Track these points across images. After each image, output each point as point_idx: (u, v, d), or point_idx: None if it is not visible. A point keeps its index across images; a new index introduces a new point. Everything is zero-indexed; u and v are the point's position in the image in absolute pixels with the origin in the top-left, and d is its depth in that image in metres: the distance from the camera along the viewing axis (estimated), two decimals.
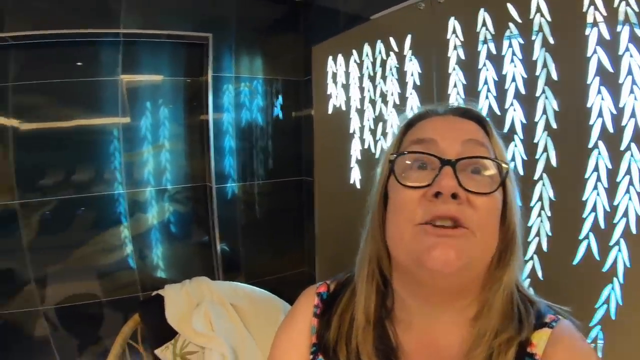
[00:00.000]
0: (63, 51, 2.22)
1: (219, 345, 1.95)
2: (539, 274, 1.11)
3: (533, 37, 1.08)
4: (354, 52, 1.91)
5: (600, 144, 0.95)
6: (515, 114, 1.17)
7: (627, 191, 0.91)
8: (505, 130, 1.19)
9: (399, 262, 0.64)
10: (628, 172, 0.91)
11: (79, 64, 2.26)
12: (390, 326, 0.68)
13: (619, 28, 0.90)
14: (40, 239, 2.27)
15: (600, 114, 0.95)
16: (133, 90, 2.33)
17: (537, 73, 1.09)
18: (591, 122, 0.96)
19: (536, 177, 1.11)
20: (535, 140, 1.11)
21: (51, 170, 2.28)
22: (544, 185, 1.09)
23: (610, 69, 0.92)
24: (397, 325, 0.68)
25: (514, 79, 1.17)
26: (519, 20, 1.12)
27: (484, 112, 1.26)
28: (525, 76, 1.13)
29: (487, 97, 1.27)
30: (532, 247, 1.13)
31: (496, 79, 1.23)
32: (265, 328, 2.04)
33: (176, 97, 2.44)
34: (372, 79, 1.84)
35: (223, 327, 2.03)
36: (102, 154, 2.31)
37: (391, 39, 1.67)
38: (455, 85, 1.41)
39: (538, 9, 1.07)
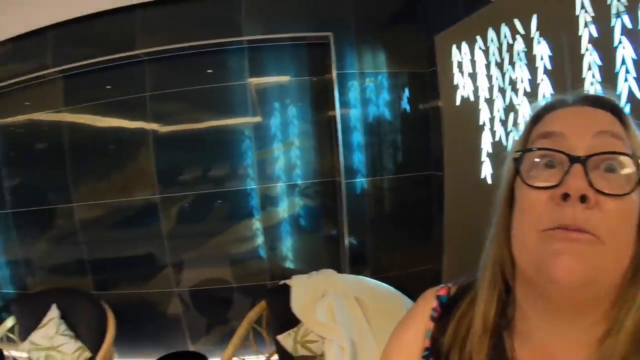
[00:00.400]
0: (193, 61, 2.54)
1: (339, 336, 2.02)
2: None
3: None
4: (478, 38, 1.83)
5: None
6: None
7: None
8: None
9: (521, 269, 0.60)
10: None
11: (209, 71, 2.57)
12: (507, 337, 0.64)
13: None
14: (178, 228, 2.65)
15: None
16: (261, 92, 2.56)
17: None
18: None
19: None
20: None
21: (188, 168, 2.64)
22: None
23: None
24: (515, 337, 0.64)
25: None
26: None
27: (624, 97, 1.12)
28: None
29: (625, 80, 1.12)
30: None
31: (635, 57, 1.08)
32: (387, 324, 2.04)
33: (303, 96, 2.59)
34: (500, 65, 1.75)
35: (345, 319, 2.10)
36: (236, 152, 2.58)
37: (516, 21, 1.58)
38: (589, 68, 1.27)
39: None
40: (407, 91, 2.58)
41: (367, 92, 2.53)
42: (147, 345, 2.81)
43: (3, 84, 2.75)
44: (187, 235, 2.67)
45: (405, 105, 2.58)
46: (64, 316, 2.53)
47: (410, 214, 2.64)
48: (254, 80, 2.54)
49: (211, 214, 2.65)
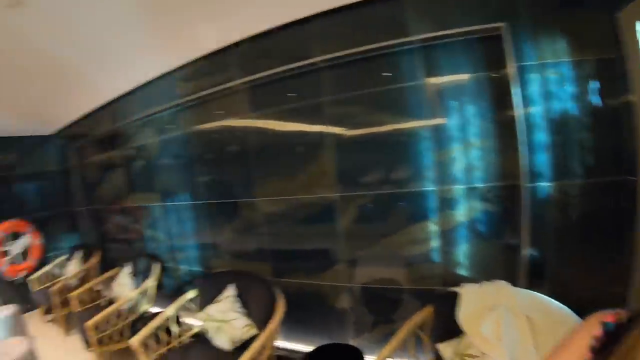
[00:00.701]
0: (366, 65, 2.75)
1: (501, 356, 1.98)
2: None
3: None
4: None
5: None
6: None
7: None
8: None
9: None
10: None
11: (386, 74, 2.72)
12: None
13: None
14: (354, 226, 2.93)
15: None
16: (438, 91, 2.62)
17: None
18: None
19: None
20: None
21: (366, 168, 2.86)
22: None
23: None
24: None
25: None
26: None
27: None
28: None
29: None
30: None
31: None
32: None
33: (481, 92, 2.55)
34: None
35: (511, 338, 2.04)
36: (413, 153, 2.70)
37: None
38: None
39: None
40: (594, 81, 2.31)
41: (549, 85, 2.36)
42: (310, 333, 3.24)
43: (198, 95, 3.47)
44: (363, 234, 2.92)
45: (593, 97, 2.32)
46: (239, 295, 3.07)
47: (599, 226, 2.36)
48: (430, 80, 2.62)
49: (387, 214, 2.83)
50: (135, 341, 2.97)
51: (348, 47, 2.69)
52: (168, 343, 3.23)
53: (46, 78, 3.84)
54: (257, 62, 3.14)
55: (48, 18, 2.57)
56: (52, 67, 3.53)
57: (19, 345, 3.55)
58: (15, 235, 5.85)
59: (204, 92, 3.51)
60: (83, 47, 3.12)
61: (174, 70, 3.80)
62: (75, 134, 6.12)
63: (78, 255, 5.67)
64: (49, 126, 6.21)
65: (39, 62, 3.36)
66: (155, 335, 3.17)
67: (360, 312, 3.00)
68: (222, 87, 3.35)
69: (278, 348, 3.31)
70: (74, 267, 5.50)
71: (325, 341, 2.84)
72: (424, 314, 2.40)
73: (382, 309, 2.93)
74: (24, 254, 5.90)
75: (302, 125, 3.06)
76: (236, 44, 3.23)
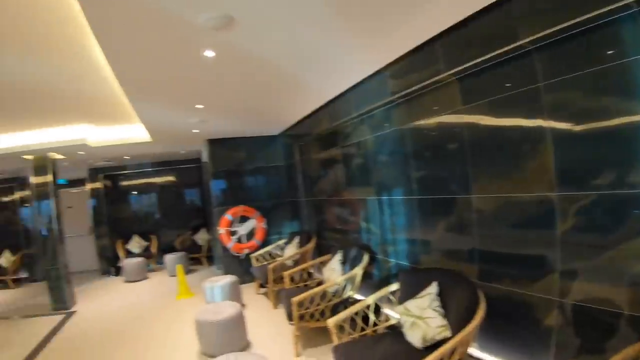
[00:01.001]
0: (582, 41, 2.29)
1: None
2: None
3: None
4: None
5: None
6: None
7: None
8: None
9: None
10: None
11: (605, 49, 2.21)
12: None
13: None
14: (573, 232, 2.45)
15: None
16: None
17: None
18: None
19: None
20: None
21: (590, 165, 2.36)
22: None
23: None
24: None
25: None
26: None
27: None
28: None
29: None
30: None
31: None
32: None
33: None
34: None
35: None
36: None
37: None
38: None
39: None
40: None
41: None
42: (509, 346, 2.93)
43: (408, 91, 3.57)
44: (582, 242, 2.43)
45: None
46: (439, 294, 3.01)
47: None
48: None
49: (613, 220, 2.27)
50: (332, 321, 3.20)
51: (556, 23, 2.28)
52: (362, 329, 3.39)
53: (271, 87, 4.32)
54: (462, 52, 2.97)
55: (261, 33, 2.79)
56: (275, 77, 3.91)
57: (232, 308, 4.35)
58: (243, 219, 7.24)
59: (413, 88, 3.52)
60: (299, 56, 3.37)
61: (384, 68, 3.88)
62: (298, 134, 6.86)
63: (296, 240, 6.47)
64: (275, 127, 7.12)
65: (262, 75, 3.78)
66: (352, 320, 3.37)
67: (567, 333, 2.53)
68: (429, 81, 3.30)
69: (471, 356, 3.15)
70: (291, 250, 6.31)
71: (525, 359, 2.58)
72: (637, 349, 1.96)
73: (592, 334, 2.40)
74: (249, 235, 7.24)
75: (516, 118, 2.76)
76: (439, 36, 3.11)
